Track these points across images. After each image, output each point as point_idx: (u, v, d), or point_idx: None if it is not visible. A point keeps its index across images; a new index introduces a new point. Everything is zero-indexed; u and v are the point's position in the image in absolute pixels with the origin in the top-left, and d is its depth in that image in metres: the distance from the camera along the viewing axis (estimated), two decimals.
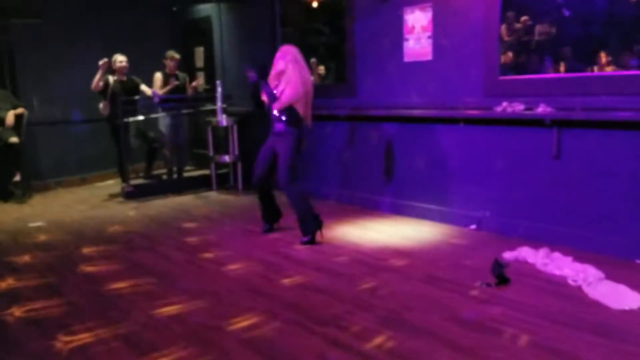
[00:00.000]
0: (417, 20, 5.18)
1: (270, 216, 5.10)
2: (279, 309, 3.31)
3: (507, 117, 4.51)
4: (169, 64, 7.23)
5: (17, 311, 3.42)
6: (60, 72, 7.76)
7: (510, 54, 5.21)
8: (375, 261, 4.16)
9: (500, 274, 3.63)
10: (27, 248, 4.84)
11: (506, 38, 5.73)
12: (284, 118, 4.69)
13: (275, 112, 4.72)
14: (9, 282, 3.95)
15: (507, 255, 4.10)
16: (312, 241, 4.68)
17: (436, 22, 5.06)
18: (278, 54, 4.75)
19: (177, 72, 7.38)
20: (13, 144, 6.79)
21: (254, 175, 4.89)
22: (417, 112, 5.22)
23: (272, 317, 3.19)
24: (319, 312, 3.24)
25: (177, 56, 7.28)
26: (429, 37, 5.12)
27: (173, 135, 7.35)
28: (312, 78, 4.92)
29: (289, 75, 4.61)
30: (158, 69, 7.22)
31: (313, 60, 7.67)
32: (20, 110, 7.06)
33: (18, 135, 6.91)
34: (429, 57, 5.14)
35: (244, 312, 3.27)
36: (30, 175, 7.37)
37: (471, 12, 4.79)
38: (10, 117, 6.87)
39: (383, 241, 4.67)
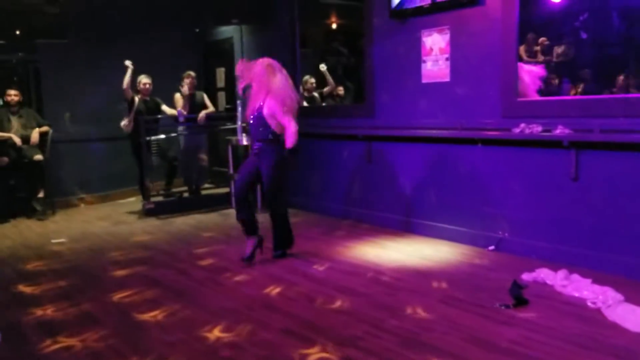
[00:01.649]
0: (435, 42, 5.24)
1: (282, 240, 4.92)
2: (297, 327, 3.34)
3: (525, 138, 4.53)
4: (186, 85, 7.39)
5: (50, 341, 3.48)
6: (84, 91, 7.94)
7: None
8: (394, 281, 4.17)
9: (519, 296, 3.63)
10: (50, 263, 4.94)
11: (525, 59, 5.78)
12: (270, 137, 4.61)
13: (260, 129, 4.62)
14: (33, 293, 4.04)
15: (526, 276, 4.10)
16: (284, 254, 4.84)
17: (454, 43, 5.11)
18: (258, 71, 4.59)
19: (195, 92, 7.54)
20: (38, 161, 6.95)
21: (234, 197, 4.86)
22: (435, 133, 5.26)
23: (290, 336, 3.21)
24: (338, 331, 3.26)
25: (193, 74, 7.45)
26: (447, 58, 5.17)
27: (192, 153, 7.47)
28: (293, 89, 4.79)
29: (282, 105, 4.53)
30: (179, 90, 7.40)
31: (323, 65, 7.75)
32: (45, 128, 7.24)
33: (42, 152, 7.08)
34: (447, 79, 5.19)
35: (262, 330, 3.31)
36: (54, 192, 7.52)
37: (489, 33, 4.84)
38: (35, 135, 7.04)
39: (402, 261, 4.68)
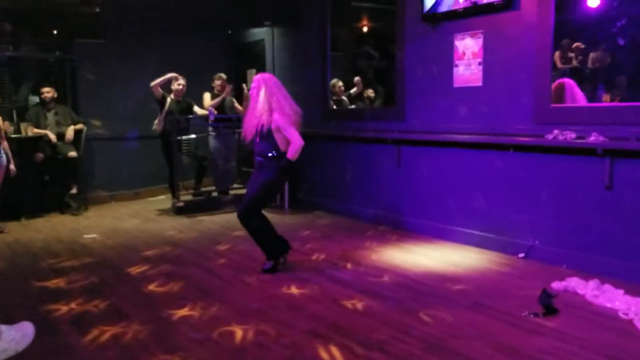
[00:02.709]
0: (468, 46, 5.20)
1: (270, 251, 4.67)
2: (324, 329, 3.34)
3: (559, 145, 4.46)
4: (217, 86, 7.56)
5: (80, 334, 3.55)
6: (118, 90, 8.09)
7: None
8: (420, 286, 4.15)
9: (549, 305, 3.57)
10: (81, 260, 5.04)
11: (559, 65, 5.69)
12: (270, 154, 4.45)
13: (265, 143, 4.47)
14: (63, 288, 4.13)
15: (556, 285, 4.03)
16: (273, 268, 4.53)
17: (487, 48, 5.06)
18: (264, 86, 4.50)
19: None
20: (72, 158, 7.10)
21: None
22: (465, 138, 5.21)
23: (315, 337, 3.22)
24: (364, 335, 3.25)
25: (224, 76, 7.61)
26: (480, 63, 5.13)
27: (221, 154, 7.57)
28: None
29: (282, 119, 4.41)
30: (210, 90, 7.55)
31: (357, 78, 7.76)
32: (79, 126, 7.40)
33: (77, 149, 7.23)
34: (479, 83, 5.15)
35: (287, 331, 3.32)
36: (87, 189, 7.67)
37: (523, 38, 4.78)
38: (70, 132, 7.20)
39: (429, 266, 4.65)
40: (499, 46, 4.99)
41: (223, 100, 7.50)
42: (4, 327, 2.63)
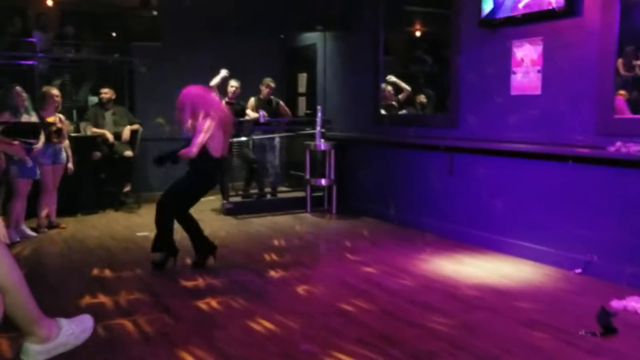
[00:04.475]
0: (527, 53, 5.06)
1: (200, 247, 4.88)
2: (371, 338, 3.30)
3: (621, 157, 4.27)
4: (264, 90, 7.65)
5: (124, 320, 3.63)
6: (174, 92, 8.21)
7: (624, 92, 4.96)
8: (471, 299, 4.04)
9: (607, 324, 3.42)
10: (134, 256, 5.15)
11: (622, 73, 5.46)
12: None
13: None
14: (113, 284, 4.23)
15: (615, 303, 3.85)
16: (198, 264, 4.77)
17: (547, 55, 4.91)
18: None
19: (271, 97, 7.78)
20: (127, 157, 7.30)
21: None
22: (522, 147, 5.07)
23: (364, 346, 3.18)
24: (413, 346, 3.19)
25: (272, 84, 7.71)
26: (539, 70, 4.98)
27: (263, 157, 7.72)
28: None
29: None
30: (257, 94, 7.71)
31: (390, 76, 7.60)
32: (135, 126, 7.59)
33: (132, 149, 7.42)
34: (538, 92, 5.00)
35: (334, 338, 3.29)
36: (140, 187, 7.85)
37: (585, 45, 4.62)
38: (126, 132, 7.40)
39: (481, 278, 4.54)
40: (559, 53, 4.83)
41: (268, 102, 7.62)
42: (64, 322, 2.70)
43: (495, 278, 4.54)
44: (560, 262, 4.79)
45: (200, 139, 4.55)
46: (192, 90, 4.77)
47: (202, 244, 4.86)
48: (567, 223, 4.77)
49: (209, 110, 4.63)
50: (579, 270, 4.64)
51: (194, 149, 4.54)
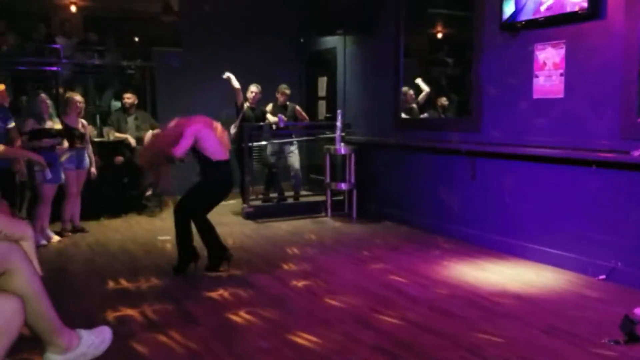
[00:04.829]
0: (549, 56, 5.00)
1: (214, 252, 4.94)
2: (389, 345, 3.28)
3: None
4: (280, 97, 7.73)
5: (150, 336, 3.66)
6: (194, 97, 8.32)
7: None
8: (493, 305, 4.00)
9: (631, 332, 3.34)
10: (154, 261, 5.20)
11: None
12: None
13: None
14: (134, 287, 4.27)
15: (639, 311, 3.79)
16: (178, 269, 4.79)
17: (569, 59, 4.84)
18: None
19: (288, 103, 7.82)
20: None
21: None
22: (545, 151, 5.00)
23: (381, 353, 3.16)
24: (432, 354, 3.17)
25: (287, 91, 7.77)
26: (561, 74, 4.91)
27: (279, 161, 7.78)
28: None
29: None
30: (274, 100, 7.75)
31: (419, 80, 7.56)
32: (157, 131, 7.65)
33: None
34: (561, 95, 4.93)
35: (352, 344, 3.28)
36: (163, 191, 7.91)
37: (609, 49, 4.54)
38: (148, 136, 7.46)
39: (502, 284, 4.48)
40: (582, 57, 4.76)
41: (284, 107, 7.66)
42: (84, 332, 2.73)
43: (516, 284, 4.48)
44: (583, 268, 4.71)
45: (185, 142, 4.69)
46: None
47: (216, 250, 4.88)
48: (591, 229, 4.70)
49: (189, 122, 4.83)
50: (602, 277, 4.56)
51: (178, 151, 4.69)
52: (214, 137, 4.86)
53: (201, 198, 4.90)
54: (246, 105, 7.44)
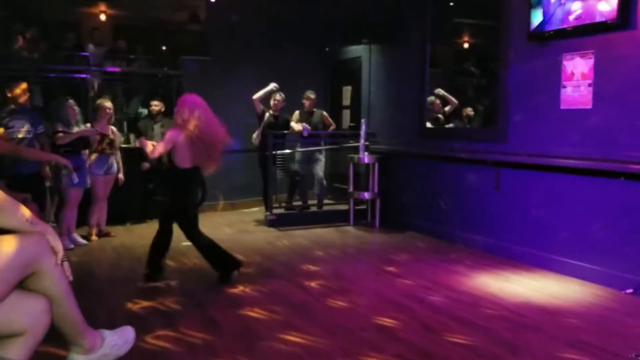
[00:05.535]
0: (577, 66, 4.94)
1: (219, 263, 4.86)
2: (411, 354, 3.25)
3: None
4: (305, 103, 7.78)
5: (174, 338, 3.69)
6: (220, 105, 8.35)
7: None
8: (517, 317, 3.94)
9: None
10: (178, 266, 5.25)
11: None
12: None
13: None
14: (158, 295, 4.32)
15: None
16: (148, 277, 4.72)
17: (598, 69, 4.78)
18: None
19: (315, 110, 7.86)
20: None
21: None
22: (572, 163, 4.93)
23: None
24: None
25: (312, 96, 7.81)
26: (590, 84, 4.85)
27: (306, 169, 7.79)
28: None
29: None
30: (301, 107, 7.79)
31: (439, 90, 7.49)
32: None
33: None
34: (589, 106, 4.86)
35: (375, 353, 3.26)
36: None
37: (639, 59, 4.47)
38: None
39: (526, 296, 4.41)
40: (611, 67, 4.69)
41: (310, 114, 7.67)
42: (107, 333, 2.76)
43: (541, 296, 4.41)
44: (610, 281, 4.62)
45: (161, 146, 4.68)
46: (189, 99, 4.89)
47: (220, 260, 4.82)
48: (619, 241, 4.61)
49: (186, 122, 4.68)
50: (630, 291, 4.46)
51: (153, 154, 4.71)
52: (191, 148, 4.73)
53: (174, 207, 4.97)
54: (268, 113, 7.48)
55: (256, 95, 7.31)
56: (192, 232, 4.87)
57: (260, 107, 7.39)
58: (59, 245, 2.32)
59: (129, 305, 4.13)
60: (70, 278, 2.42)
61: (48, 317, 2.30)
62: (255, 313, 3.97)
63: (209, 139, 4.71)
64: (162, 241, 4.90)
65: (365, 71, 8.45)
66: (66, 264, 2.38)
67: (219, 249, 4.85)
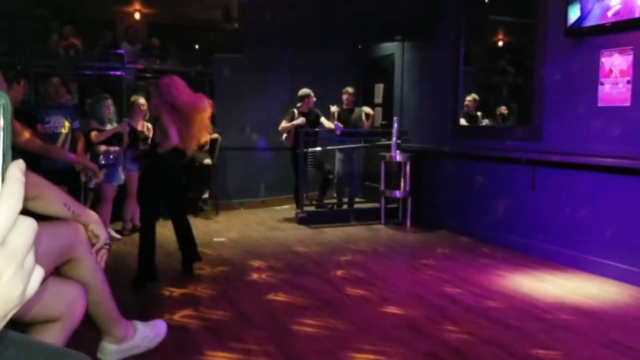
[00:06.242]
0: (616, 63, 4.82)
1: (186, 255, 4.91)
2: (444, 353, 3.22)
3: None
4: (343, 98, 7.74)
5: (195, 317, 3.73)
6: (252, 103, 8.47)
7: None
8: (551, 317, 3.87)
9: None
10: (211, 261, 5.30)
11: None
12: None
13: None
14: (191, 289, 4.37)
15: None
16: (135, 284, 4.48)
17: (638, 66, 4.66)
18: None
19: (354, 107, 7.81)
20: (207, 165, 7.54)
21: None
22: (610, 161, 4.81)
23: None
24: None
25: (350, 90, 7.77)
26: (628, 81, 4.73)
27: (345, 168, 7.70)
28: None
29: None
30: (339, 103, 7.68)
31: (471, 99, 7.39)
32: (215, 135, 7.81)
33: (212, 157, 7.66)
34: (627, 103, 4.74)
35: (406, 351, 3.24)
36: (218, 195, 8.08)
37: None
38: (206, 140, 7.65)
39: (561, 297, 4.33)
40: None
41: (349, 111, 7.64)
42: (140, 324, 2.80)
43: (576, 297, 4.32)
44: None
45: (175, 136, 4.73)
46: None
47: (188, 251, 4.92)
48: None
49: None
50: None
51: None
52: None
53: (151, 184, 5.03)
54: (296, 110, 7.47)
55: (282, 127, 7.34)
56: (179, 218, 5.05)
57: (290, 140, 7.43)
58: (103, 234, 2.35)
59: (160, 298, 4.20)
60: (102, 265, 2.46)
61: (83, 304, 2.34)
62: (287, 310, 3.98)
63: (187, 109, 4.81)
64: (180, 228, 4.98)
65: (397, 69, 8.40)
66: (103, 251, 2.41)
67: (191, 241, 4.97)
